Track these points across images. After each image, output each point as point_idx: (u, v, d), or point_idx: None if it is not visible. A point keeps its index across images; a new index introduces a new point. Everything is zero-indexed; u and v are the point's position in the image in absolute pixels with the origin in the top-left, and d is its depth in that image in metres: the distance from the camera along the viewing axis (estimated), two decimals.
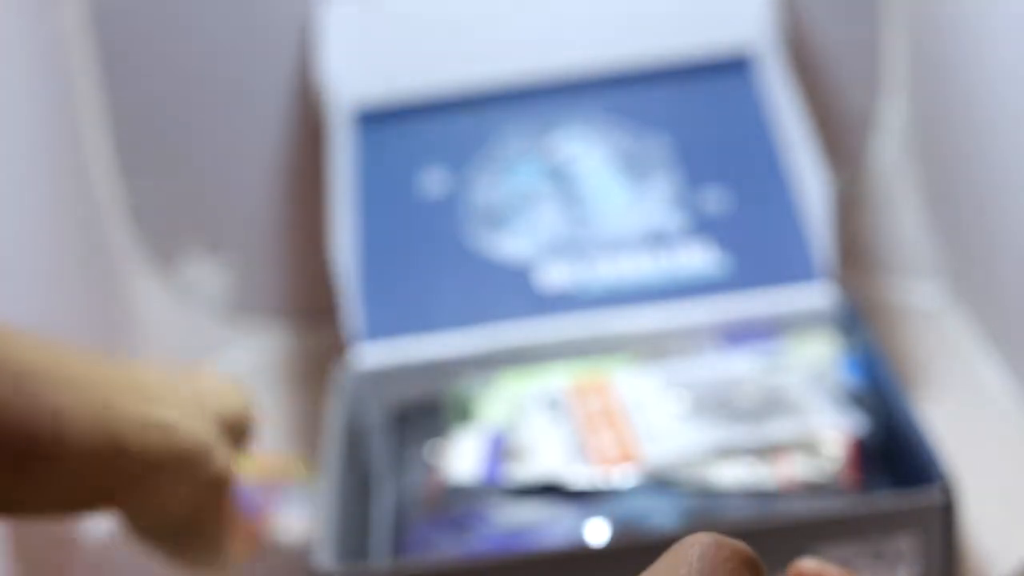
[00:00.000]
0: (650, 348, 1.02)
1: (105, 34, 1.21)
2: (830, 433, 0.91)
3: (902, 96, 1.28)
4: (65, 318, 1.09)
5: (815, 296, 1.04)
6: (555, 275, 1.06)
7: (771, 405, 0.94)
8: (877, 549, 0.82)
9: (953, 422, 1.06)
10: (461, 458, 0.94)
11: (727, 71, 1.22)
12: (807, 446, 0.90)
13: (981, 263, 1.15)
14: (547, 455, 0.92)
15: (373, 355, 1.03)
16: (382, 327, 1.06)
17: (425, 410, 1.03)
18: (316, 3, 1.22)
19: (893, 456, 0.91)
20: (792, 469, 0.88)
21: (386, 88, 1.22)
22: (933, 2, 1.17)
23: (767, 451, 0.90)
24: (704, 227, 1.07)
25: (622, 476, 0.90)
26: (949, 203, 1.22)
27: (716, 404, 0.94)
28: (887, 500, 0.85)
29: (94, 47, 1.21)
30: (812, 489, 0.88)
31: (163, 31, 1.24)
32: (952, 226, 1.22)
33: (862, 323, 1.00)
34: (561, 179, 1.14)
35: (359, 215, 1.15)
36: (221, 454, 0.73)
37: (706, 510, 0.87)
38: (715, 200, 1.12)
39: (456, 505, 0.90)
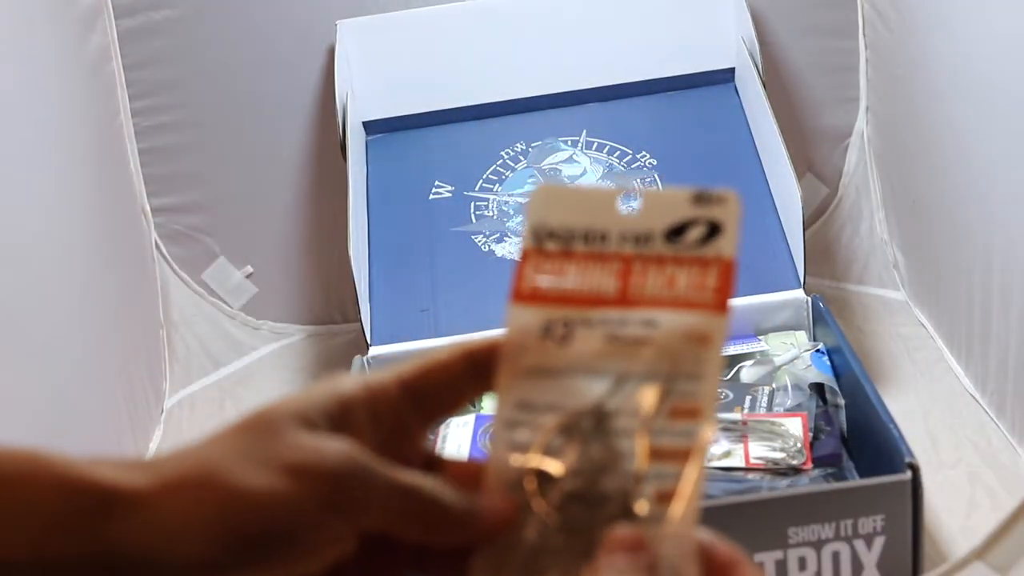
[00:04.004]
0: None
1: (132, 56, 1.24)
2: (794, 420, 0.94)
3: (869, 115, 1.31)
4: (105, 319, 1.12)
5: (791, 298, 1.08)
6: None
7: (742, 390, 0.98)
8: (850, 528, 0.84)
9: (916, 410, 1.10)
10: (456, 440, 0.97)
11: (709, 90, 1.27)
12: (772, 430, 0.93)
13: (939, 266, 1.18)
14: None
15: (385, 354, 1.07)
16: (392, 329, 1.10)
17: None
18: (332, 27, 1.25)
19: (862, 442, 0.95)
20: (756, 450, 0.91)
21: (397, 104, 1.26)
22: (898, 28, 1.21)
23: (735, 431, 0.93)
24: None
25: None
26: (910, 212, 1.25)
27: None
28: (859, 483, 0.89)
29: (125, 69, 1.24)
30: (775, 469, 0.90)
31: (188, 54, 1.27)
32: (913, 232, 1.25)
33: (833, 321, 1.04)
34: None
35: (372, 223, 1.18)
36: None
37: None
38: None
39: None
